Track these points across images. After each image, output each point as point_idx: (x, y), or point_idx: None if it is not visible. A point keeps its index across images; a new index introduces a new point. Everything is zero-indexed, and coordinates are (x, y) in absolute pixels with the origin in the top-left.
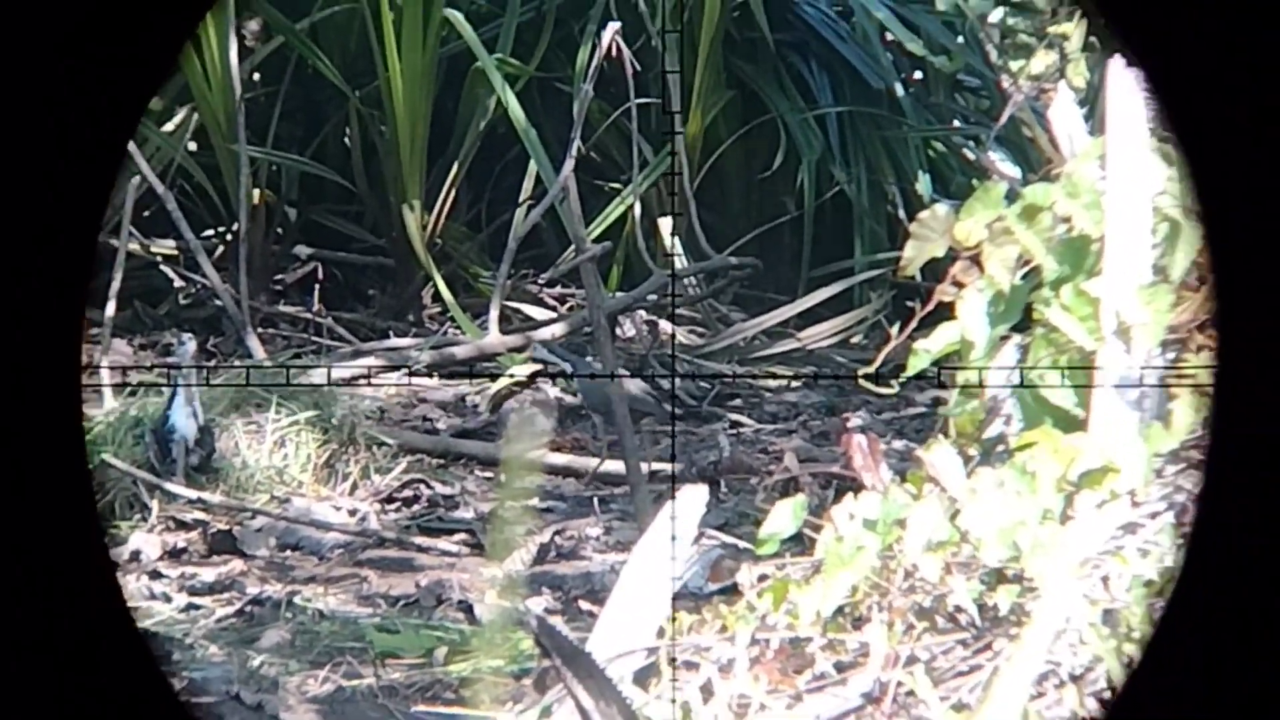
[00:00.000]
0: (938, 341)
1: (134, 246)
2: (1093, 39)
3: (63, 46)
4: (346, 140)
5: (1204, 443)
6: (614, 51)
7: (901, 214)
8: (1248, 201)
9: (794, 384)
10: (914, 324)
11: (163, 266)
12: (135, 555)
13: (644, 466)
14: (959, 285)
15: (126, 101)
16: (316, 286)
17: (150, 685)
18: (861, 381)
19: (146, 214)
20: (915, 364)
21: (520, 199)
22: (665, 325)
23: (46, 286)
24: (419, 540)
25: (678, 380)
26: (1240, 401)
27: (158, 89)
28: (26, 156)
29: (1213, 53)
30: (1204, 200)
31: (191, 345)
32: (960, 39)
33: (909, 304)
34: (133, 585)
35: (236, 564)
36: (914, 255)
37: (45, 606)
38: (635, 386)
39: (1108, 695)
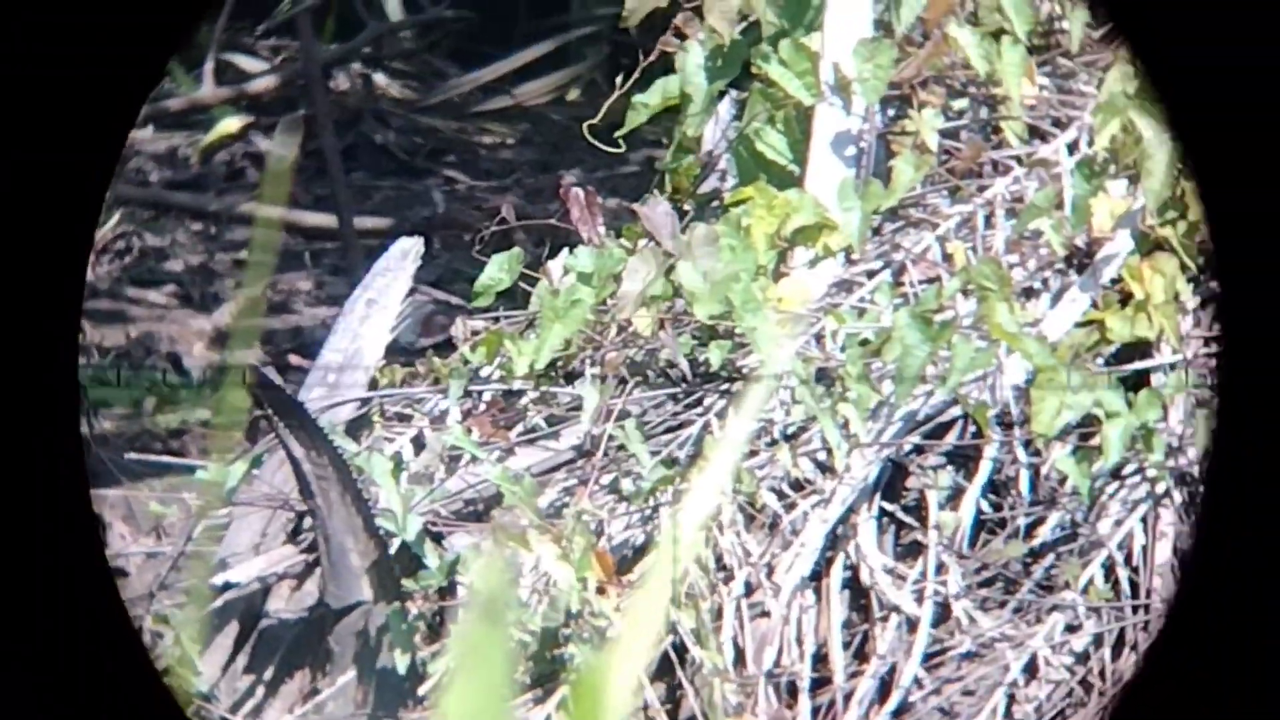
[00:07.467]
0: (656, 95)
1: None
2: None
3: (62, 45)
4: None
5: (1209, 438)
6: None
7: None
8: (1249, 193)
9: (509, 140)
10: (637, 75)
11: None
12: None
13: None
14: (681, 36)
15: (127, 101)
16: None
17: (148, 685)
18: (585, 135)
19: None
20: (634, 119)
21: None
22: (379, 78)
23: (46, 286)
24: (130, 291)
25: (390, 134)
26: (1245, 396)
27: (158, 89)
28: (26, 156)
29: (1212, 42)
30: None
31: None
32: None
33: (624, 62)
34: None
35: None
36: (636, 7)
37: (42, 606)
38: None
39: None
